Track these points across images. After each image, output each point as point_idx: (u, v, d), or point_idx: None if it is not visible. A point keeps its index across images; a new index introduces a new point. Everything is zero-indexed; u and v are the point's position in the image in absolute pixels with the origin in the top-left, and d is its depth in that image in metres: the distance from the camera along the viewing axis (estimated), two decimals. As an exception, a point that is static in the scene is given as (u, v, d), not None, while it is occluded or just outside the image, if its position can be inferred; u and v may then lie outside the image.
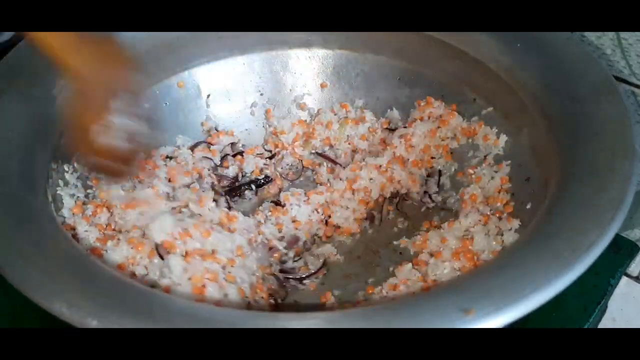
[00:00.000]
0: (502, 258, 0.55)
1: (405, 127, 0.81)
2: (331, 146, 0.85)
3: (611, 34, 0.73)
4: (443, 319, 0.47)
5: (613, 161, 0.58)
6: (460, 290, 0.49)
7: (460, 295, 0.49)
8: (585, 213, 0.54)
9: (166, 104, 0.83)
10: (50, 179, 0.66)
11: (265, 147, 0.86)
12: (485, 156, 0.77)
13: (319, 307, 0.63)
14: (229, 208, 0.76)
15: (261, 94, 0.88)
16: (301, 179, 0.84)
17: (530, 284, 0.49)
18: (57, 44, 0.55)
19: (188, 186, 0.75)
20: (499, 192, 0.72)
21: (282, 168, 0.85)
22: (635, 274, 0.87)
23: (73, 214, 0.66)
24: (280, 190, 0.81)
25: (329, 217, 0.76)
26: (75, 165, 0.68)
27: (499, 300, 0.48)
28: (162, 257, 0.60)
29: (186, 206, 0.69)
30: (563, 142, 0.62)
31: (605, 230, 0.52)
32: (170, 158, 0.79)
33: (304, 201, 0.76)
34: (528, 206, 0.68)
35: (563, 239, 0.52)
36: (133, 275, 0.60)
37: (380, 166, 0.78)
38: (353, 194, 0.76)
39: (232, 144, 0.84)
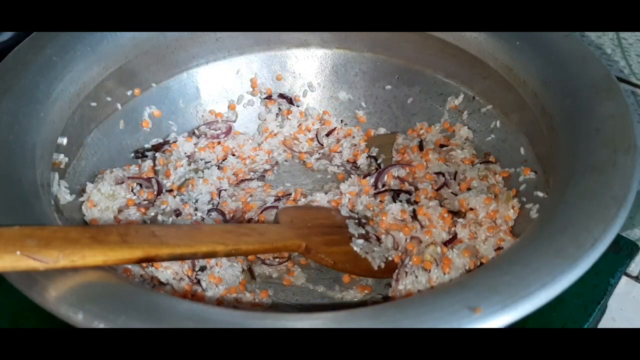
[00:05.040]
0: (507, 256, 0.54)
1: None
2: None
3: (611, 34, 0.73)
4: (451, 318, 0.46)
5: (615, 157, 0.57)
6: (466, 289, 0.49)
7: (467, 293, 0.48)
8: (589, 210, 0.54)
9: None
10: (52, 182, 0.66)
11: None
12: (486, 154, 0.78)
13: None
14: None
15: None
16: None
17: (536, 282, 0.48)
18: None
19: None
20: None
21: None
22: (635, 273, 0.87)
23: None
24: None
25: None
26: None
27: (505, 298, 0.47)
28: None
29: None
30: (564, 138, 0.62)
31: (609, 227, 0.52)
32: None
33: None
34: (531, 204, 0.68)
35: (567, 236, 0.52)
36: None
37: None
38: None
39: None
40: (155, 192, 0.75)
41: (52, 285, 0.48)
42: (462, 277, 0.63)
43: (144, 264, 0.64)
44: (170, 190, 0.76)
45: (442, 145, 0.80)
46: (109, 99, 0.76)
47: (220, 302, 0.67)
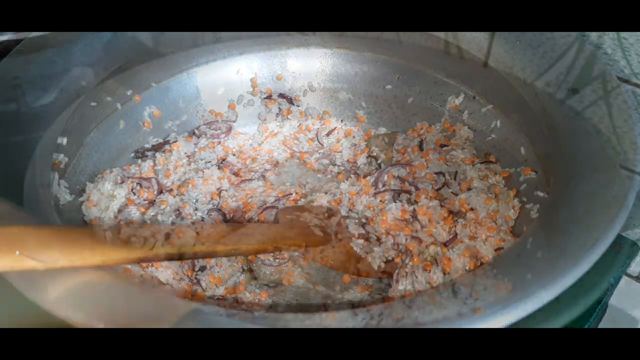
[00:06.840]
0: (507, 256, 0.54)
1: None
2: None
3: (612, 34, 0.73)
4: (452, 318, 0.46)
5: (615, 157, 0.57)
6: (467, 289, 0.49)
7: (467, 293, 0.48)
8: (589, 209, 0.54)
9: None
10: (52, 182, 0.66)
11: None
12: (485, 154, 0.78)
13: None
14: None
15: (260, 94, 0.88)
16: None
17: (536, 282, 0.48)
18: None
19: None
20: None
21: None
22: (635, 273, 0.87)
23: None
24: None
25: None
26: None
27: (506, 298, 0.47)
28: None
29: None
30: (564, 138, 0.62)
31: (610, 227, 0.52)
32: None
33: None
34: (531, 204, 0.68)
35: (568, 235, 0.52)
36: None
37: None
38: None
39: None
40: (155, 192, 0.75)
41: (52, 285, 0.48)
42: (462, 277, 0.63)
43: (144, 264, 0.64)
44: (170, 190, 0.76)
45: (442, 145, 0.80)
46: (109, 99, 0.76)
47: (220, 302, 0.67)
